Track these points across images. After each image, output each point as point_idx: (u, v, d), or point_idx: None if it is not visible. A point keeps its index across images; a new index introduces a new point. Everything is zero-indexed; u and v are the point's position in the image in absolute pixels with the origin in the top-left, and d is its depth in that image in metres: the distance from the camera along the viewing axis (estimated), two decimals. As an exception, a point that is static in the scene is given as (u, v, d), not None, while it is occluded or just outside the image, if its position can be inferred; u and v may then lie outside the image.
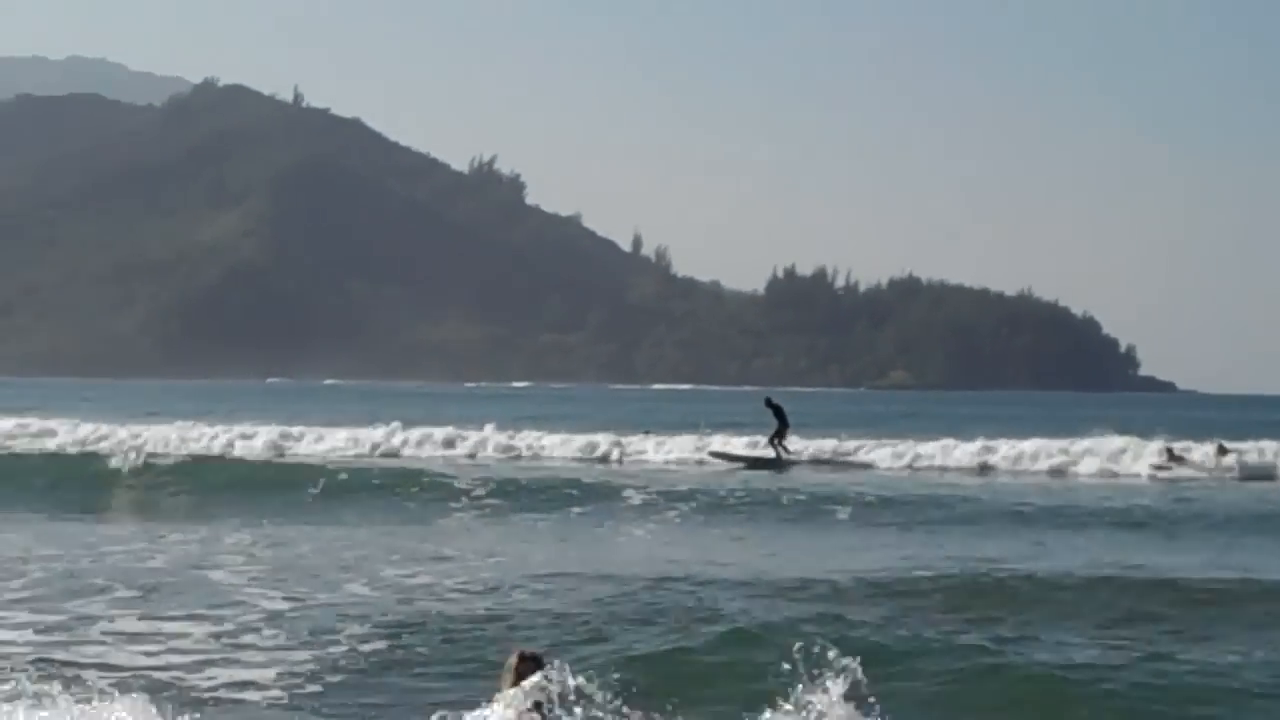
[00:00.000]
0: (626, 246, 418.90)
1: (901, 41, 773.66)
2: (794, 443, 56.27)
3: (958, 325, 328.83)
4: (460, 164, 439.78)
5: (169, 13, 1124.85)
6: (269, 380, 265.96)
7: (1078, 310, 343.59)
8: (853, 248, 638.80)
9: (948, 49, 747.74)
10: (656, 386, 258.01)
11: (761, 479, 46.23)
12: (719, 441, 59.01)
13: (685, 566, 25.28)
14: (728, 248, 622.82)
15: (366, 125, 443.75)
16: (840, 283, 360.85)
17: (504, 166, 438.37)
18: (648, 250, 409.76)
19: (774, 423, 55.58)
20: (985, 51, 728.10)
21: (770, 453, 55.40)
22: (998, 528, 33.91)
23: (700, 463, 55.84)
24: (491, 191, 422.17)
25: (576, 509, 37.10)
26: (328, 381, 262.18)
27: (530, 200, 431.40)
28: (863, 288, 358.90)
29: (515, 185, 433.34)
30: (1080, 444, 54.34)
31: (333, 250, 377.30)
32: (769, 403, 56.56)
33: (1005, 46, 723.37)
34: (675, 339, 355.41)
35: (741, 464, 54.62)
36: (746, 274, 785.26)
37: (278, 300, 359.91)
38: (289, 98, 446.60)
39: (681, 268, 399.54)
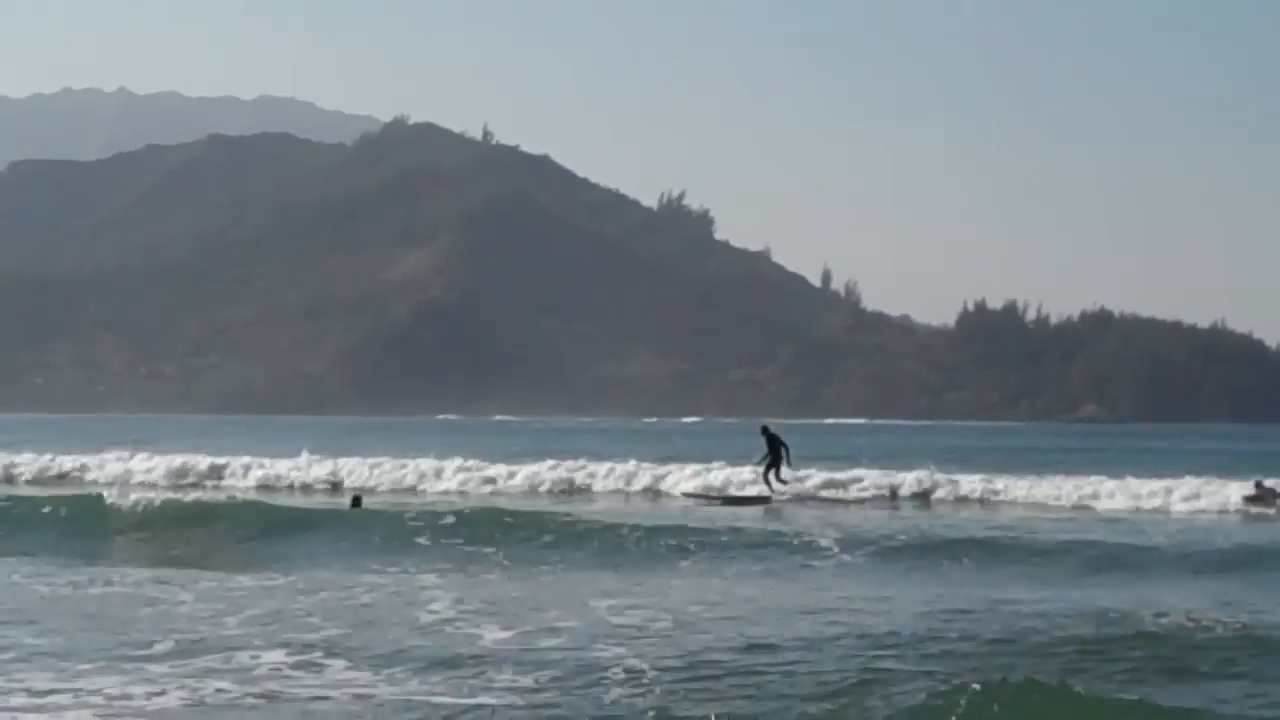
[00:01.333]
0: (816, 281, 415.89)
1: (1094, 75, 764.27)
2: (787, 474, 51.91)
3: (1150, 358, 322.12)
4: (649, 200, 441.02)
5: (358, 52, 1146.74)
6: (439, 417, 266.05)
7: (1272, 342, 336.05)
8: (1043, 280, 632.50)
9: (1140, 79, 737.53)
10: (828, 421, 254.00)
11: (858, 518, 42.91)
12: (688, 480, 55.38)
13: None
14: (917, 281, 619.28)
15: (556, 162, 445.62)
16: (1031, 316, 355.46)
17: (693, 202, 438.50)
18: (837, 284, 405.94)
19: (769, 454, 51.52)
20: (1176, 79, 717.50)
21: (763, 489, 51.34)
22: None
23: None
24: (680, 227, 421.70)
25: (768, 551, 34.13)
26: (497, 417, 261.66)
27: (719, 235, 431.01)
28: (1054, 320, 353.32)
29: (704, 221, 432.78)
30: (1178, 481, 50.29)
31: (522, 287, 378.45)
32: (765, 431, 52.36)
33: (1194, 73, 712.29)
34: (865, 373, 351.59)
35: (720, 502, 50.38)
36: (936, 308, 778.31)
37: (467, 337, 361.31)
38: (478, 135, 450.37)
39: (871, 302, 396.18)
